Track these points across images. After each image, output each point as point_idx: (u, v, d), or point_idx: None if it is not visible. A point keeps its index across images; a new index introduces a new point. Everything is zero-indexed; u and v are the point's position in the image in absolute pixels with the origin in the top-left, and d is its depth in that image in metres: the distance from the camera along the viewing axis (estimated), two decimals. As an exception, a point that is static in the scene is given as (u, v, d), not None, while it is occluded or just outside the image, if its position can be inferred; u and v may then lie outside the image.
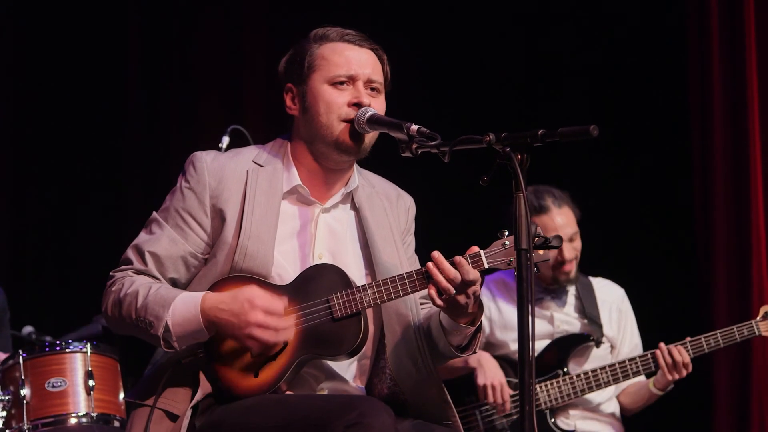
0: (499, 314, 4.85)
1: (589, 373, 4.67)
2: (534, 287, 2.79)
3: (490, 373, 4.65)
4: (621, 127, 5.74)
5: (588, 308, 4.84)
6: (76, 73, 6.69)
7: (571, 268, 4.80)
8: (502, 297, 4.87)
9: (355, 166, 3.32)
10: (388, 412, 2.86)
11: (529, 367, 2.72)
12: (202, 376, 3.08)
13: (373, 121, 3.13)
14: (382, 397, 3.20)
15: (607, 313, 4.90)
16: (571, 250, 4.78)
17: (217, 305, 3.01)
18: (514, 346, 4.68)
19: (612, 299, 4.96)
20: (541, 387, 4.68)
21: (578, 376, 4.68)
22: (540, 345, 4.77)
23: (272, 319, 2.98)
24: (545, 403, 4.68)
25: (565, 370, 4.72)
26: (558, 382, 4.69)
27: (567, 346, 4.78)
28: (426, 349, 3.20)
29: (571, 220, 4.81)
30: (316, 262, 3.17)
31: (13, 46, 6.74)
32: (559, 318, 4.85)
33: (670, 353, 4.58)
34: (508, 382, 4.65)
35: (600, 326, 4.83)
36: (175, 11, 6.82)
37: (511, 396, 4.62)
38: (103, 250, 4.16)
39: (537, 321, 4.74)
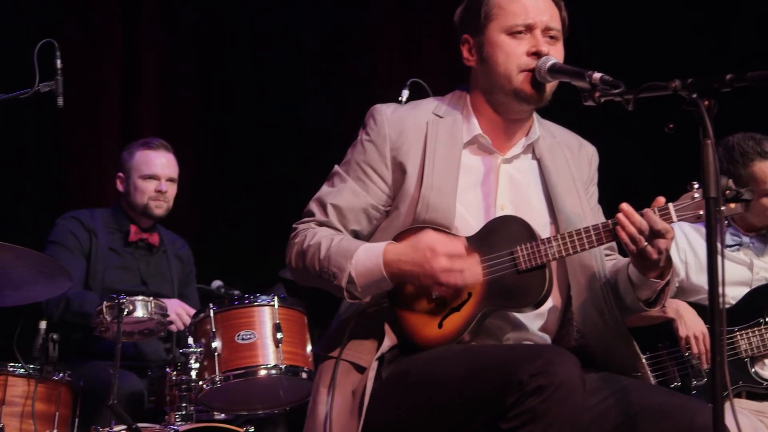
0: (695, 258, 4.68)
1: None
2: (724, 237, 2.71)
3: (690, 323, 4.52)
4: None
5: None
6: (258, 32, 6.84)
7: None
8: (699, 240, 4.74)
9: (536, 116, 3.28)
10: (574, 361, 2.82)
11: (720, 318, 2.65)
12: (387, 327, 3.10)
13: (555, 70, 3.08)
14: (570, 349, 3.14)
15: None
16: None
17: (399, 257, 3.01)
18: None
19: None
20: (741, 335, 4.54)
21: None
22: (739, 292, 4.64)
23: (456, 261, 2.97)
24: (745, 351, 4.54)
25: (766, 319, 4.57)
26: (760, 330, 4.55)
27: (767, 294, 4.63)
28: (612, 300, 3.15)
29: None
30: (499, 212, 3.15)
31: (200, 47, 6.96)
32: (758, 265, 4.70)
33: None
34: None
35: None
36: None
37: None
38: (286, 204, 4.24)
39: (736, 267, 4.70)
